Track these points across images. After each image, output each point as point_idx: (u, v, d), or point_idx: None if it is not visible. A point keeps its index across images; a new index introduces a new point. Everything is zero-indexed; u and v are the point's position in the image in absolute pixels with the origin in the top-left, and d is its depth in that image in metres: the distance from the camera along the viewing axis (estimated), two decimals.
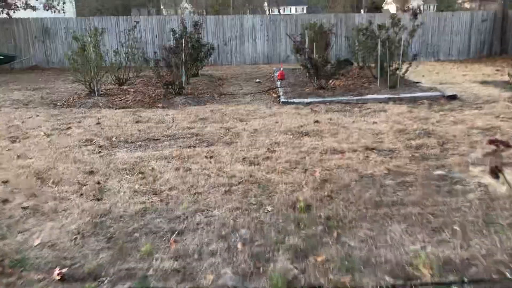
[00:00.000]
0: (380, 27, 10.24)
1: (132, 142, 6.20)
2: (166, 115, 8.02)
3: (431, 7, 68.69)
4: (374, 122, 7.02)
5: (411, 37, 9.84)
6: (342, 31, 17.80)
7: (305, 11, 77.24)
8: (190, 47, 11.02)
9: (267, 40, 18.44)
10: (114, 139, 6.34)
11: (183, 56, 10.38)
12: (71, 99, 9.61)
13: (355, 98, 8.94)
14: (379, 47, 9.80)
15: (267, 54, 18.58)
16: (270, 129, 6.78)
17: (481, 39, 18.69)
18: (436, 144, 5.73)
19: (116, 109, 8.72)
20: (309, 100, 8.98)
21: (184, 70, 10.45)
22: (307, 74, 10.75)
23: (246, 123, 7.22)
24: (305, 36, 12.08)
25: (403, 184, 4.42)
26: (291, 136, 6.31)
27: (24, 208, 3.96)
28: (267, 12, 63.85)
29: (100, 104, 8.97)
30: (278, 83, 11.37)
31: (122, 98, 9.53)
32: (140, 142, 6.21)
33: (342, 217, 3.74)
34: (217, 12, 50.41)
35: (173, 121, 7.43)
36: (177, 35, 11.15)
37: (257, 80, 13.03)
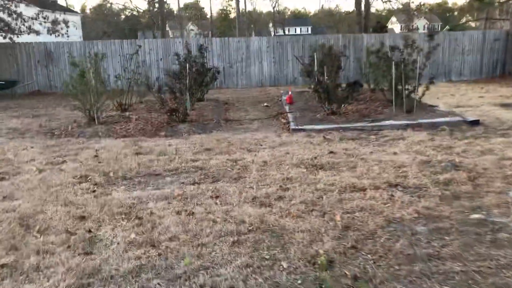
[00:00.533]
0: (393, 48, 9.77)
1: (130, 179, 5.67)
2: (169, 145, 7.50)
3: (436, 26, 68.47)
4: (394, 153, 6.43)
5: (427, 59, 9.32)
6: (351, 52, 17.29)
7: (309, 31, 77.31)
8: (195, 72, 10.57)
9: (274, 62, 18.02)
10: (111, 174, 5.81)
11: (187, 81, 9.93)
12: (69, 128, 9.11)
13: (370, 124, 8.38)
14: (393, 69, 9.28)
15: (274, 76, 18.14)
16: (281, 161, 6.23)
17: (494, 59, 18.15)
18: (467, 179, 5.14)
19: (116, 138, 8.22)
20: (321, 127, 8.43)
21: (188, 96, 9.99)
22: (317, 98, 10.25)
23: (255, 154, 6.68)
24: (314, 58, 11.61)
25: (437, 232, 3.85)
26: (305, 170, 5.75)
27: (1, 266, 3.42)
28: (272, 33, 63.88)
29: (100, 134, 8.48)
30: (287, 108, 10.86)
31: (123, 126, 9.04)
32: (139, 178, 5.67)
33: (371, 276, 3.18)
34: (222, 33, 50.45)
35: (176, 153, 6.90)
36: (181, 59, 10.71)
37: (265, 104, 12.54)
